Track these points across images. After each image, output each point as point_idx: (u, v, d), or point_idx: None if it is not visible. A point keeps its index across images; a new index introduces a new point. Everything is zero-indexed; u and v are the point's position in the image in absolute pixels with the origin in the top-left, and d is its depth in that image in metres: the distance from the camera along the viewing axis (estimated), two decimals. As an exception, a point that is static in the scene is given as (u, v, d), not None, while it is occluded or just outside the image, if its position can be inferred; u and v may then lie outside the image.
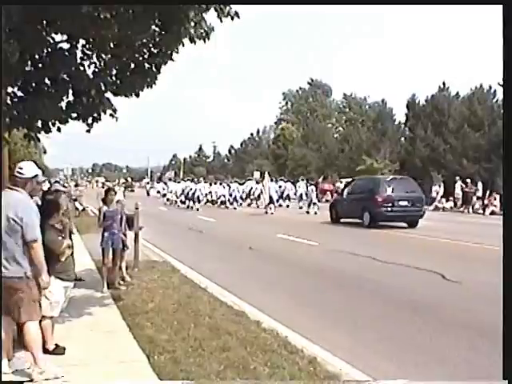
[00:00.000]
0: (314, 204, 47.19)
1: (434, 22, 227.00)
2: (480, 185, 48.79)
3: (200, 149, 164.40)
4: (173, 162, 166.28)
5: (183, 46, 11.04)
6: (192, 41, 10.75)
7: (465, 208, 48.44)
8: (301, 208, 50.83)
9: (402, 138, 77.30)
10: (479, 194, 48.30)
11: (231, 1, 10.37)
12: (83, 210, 41.05)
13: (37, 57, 10.98)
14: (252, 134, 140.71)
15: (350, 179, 46.28)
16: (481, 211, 46.13)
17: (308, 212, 46.39)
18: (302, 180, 57.57)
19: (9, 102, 11.73)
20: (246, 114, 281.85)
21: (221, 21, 10.37)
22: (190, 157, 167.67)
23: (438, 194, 53.19)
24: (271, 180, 54.04)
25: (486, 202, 46.84)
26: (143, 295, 13.69)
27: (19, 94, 11.81)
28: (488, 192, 47.25)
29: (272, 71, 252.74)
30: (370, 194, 33.40)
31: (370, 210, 32.90)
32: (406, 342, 10.55)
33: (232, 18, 10.42)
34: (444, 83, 71.50)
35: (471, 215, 44.68)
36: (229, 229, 34.46)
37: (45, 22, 10.27)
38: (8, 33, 9.15)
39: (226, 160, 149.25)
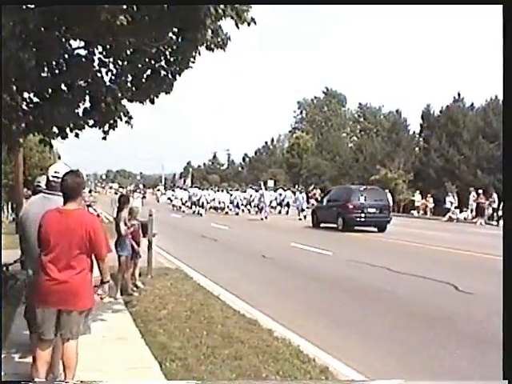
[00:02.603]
0: (303, 210, 52.26)
1: (449, 32, 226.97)
2: (495, 196, 48.47)
3: (214, 156, 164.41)
4: (188, 169, 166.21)
5: (199, 54, 11.05)
6: (209, 48, 10.74)
7: (478, 219, 48.25)
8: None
9: (417, 149, 77.08)
10: (495, 205, 47.94)
11: (245, 1, 10.31)
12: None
13: (54, 63, 11.02)
14: (266, 143, 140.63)
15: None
16: (494, 222, 45.91)
17: (300, 219, 50.54)
18: (300, 189, 64.49)
19: (25, 107, 11.80)
20: (260, 122, 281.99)
21: (237, 27, 10.33)
22: (205, 164, 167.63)
23: (452, 204, 53.08)
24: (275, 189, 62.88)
25: (500, 213, 46.54)
26: (156, 302, 13.70)
27: (35, 99, 11.86)
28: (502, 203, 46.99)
29: (287, 80, 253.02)
30: (344, 201, 37.89)
31: (343, 215, 37.62)
32: (419, 352, 10.50)
33: (249, 24, 10.38)
34: (459, 94, 71.62)
35: (484, 226, 44.55)
36: (242, 236, 34.67)
37: (62, 28, 10.30)
38: (24, 39, 9.19)
39: (240, 168, 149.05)
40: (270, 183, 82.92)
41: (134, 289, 15.23)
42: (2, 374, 7.98)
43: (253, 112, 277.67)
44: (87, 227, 7.40)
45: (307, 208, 52.55)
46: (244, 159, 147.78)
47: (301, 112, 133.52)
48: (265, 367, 8.83)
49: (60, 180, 8.07)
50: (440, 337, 11.50)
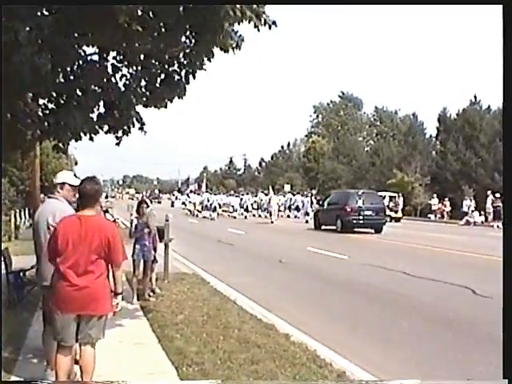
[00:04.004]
0: (308, 214, 56.84)
1: (465, 35, 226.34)
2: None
3: (230, 161, 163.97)
4: (203, 175, 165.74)
5: (213, 56, 10.99)
6: (222, 49, 10.65)
7: (496, 222, 47.97)
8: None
9: (433, 152, 76.77)
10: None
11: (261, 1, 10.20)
12: (114, 221, 41.24)
13: (68, 69, 11.02)
14: (282, 147, 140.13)
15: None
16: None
17: (307, 221, 52.86)
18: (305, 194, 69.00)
19: (40, 113, 11.82)
20: (276, 127, 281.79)
21: (258, 30, 10.22)
22: (221, 169, 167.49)
23: (469, 208, 52.89)
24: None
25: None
26: (172, 307, 13.71)
27: (50, 106, 11.88)
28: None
29: (303, 84, 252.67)
30: (342, 205, 40.72)
31: (341, 218, 40.33)
32: (437, 357, 10.44)
33: (270, 27, 10.28)
34: (475, 96, 71.23)
35: (501, 230, 44.34)
36: (257, 241, 34.58)
37: (76, 34, 10.30)
38: (40, 45, 9.21)
39: (256, 173, 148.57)
40: (287, 187, 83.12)
41: (151, 294, 15.25)
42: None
43: (269, 117, 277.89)
44: (106, 233, 7.47)
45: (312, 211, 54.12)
46: (260, 164, 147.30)
47: (317, 116, 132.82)
48: (282, 372, 8.83)
49: (54, 183, 8.56)
50: (458, 341, 11.46)
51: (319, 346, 10.60)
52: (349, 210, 39.83)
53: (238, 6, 9.57)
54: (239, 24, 10.08)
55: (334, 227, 40.94)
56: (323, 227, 43.17)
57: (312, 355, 9.81)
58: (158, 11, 9.59)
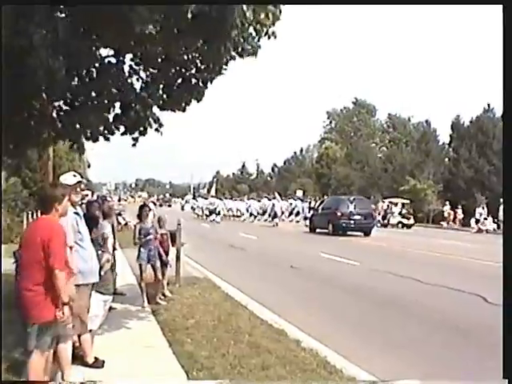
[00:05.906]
0: (306, 218, 57.55)
1: (478, 43, 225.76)
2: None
3: (243, 166, 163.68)
4: (215, 179, 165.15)
5: (232, 59, 11.00)
6: (240, 55, 10.70)
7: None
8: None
9: (446, 159, 76.59)
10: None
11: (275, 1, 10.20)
12: (125, 224, 41.32)
13: (84, 71, 11.06)
14: (295, 153, 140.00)
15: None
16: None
17: (306, 225, 53.67)
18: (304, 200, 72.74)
19: (54, 115, 11.87)
20: (289, 132, 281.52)
21: (258, 40, 10.33)
22: (234, 174, 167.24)
23: (481, 215, 52.76)
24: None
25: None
26: (183, 311, 13.69)
27: (65, 107, 11.92)
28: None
29: (316, 90, 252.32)
30: (334, 209, 44.08)
31: (332, 222, 43.58)
32: (446, 364, 10.39)
33: (269, 38, 10.36)
34: (489, 104, 70.82)
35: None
36: (270, 246, 34.43)
37: (91, 37, 10.33)
38: (54, 48, 9.23)
39: (269, 178, 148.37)
40: (299, 193, 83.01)
41: (162, 297, 15.26)
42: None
43: (282, 122, 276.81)
44: (42, 235, 7.22)
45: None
46: (273, 169, 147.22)
47: (330, 122, 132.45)
48: (292, 377, 8.80)
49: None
50: (468, 348, 11.42)
51: (329, 351, 10.57)
52: (339, 214, 43.18)
53: (246, 15, 9.62)
54: (244, 32, 10.15)
55: (326, 230, 44.11)
56: (317, 230, 46.17)
57: (322, 361, 9.78)
58: (169, 14, 9.57)
